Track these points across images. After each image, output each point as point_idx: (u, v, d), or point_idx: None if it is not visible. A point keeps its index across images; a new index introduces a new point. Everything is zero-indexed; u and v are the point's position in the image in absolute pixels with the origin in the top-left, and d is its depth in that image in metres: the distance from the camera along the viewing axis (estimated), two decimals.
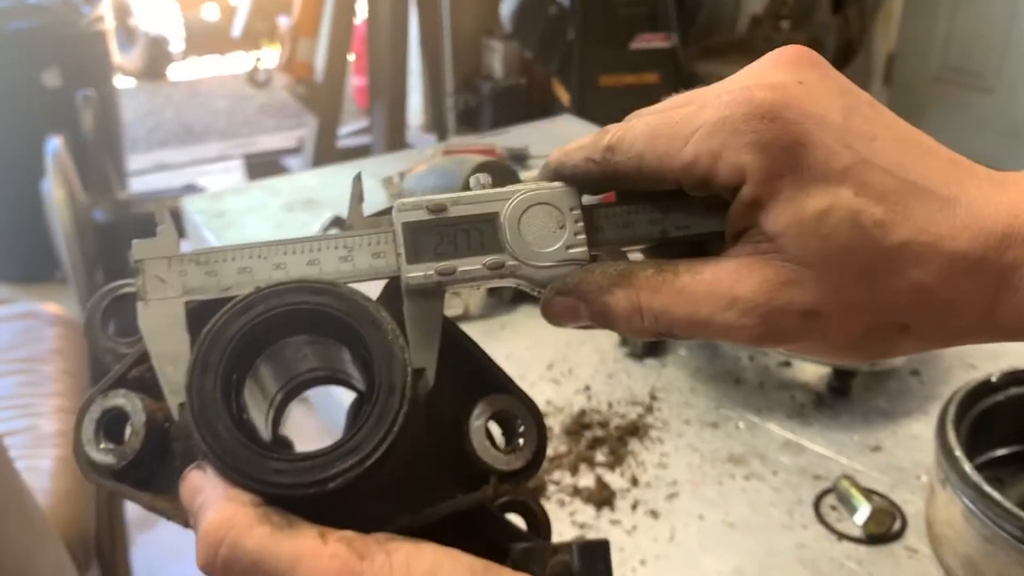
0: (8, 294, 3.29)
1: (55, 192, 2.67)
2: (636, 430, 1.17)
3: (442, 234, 0.47)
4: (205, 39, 7.18)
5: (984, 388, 1.00)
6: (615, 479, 1.09)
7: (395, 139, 3.94)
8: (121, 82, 5.40)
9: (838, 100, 0.44)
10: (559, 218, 0.48)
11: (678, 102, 0.48)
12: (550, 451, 1.13)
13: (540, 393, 1.24)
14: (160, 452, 0.47)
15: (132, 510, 2.20)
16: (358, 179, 0.49)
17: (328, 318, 0.44)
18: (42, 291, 3.30)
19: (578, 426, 1.17)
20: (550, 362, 1.31)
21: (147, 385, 0.47)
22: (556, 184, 0.49)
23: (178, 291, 0.46)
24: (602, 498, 1.05)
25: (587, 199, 0.50)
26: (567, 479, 1.08)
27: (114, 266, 2.92)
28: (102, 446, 0.46)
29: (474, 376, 0.49)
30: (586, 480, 1.08)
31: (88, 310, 0.50)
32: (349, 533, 0.41)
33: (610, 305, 0.46)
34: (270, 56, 4.48)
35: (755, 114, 0.43)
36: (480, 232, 0.48)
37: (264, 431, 0.48)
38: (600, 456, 1.12)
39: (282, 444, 0.52)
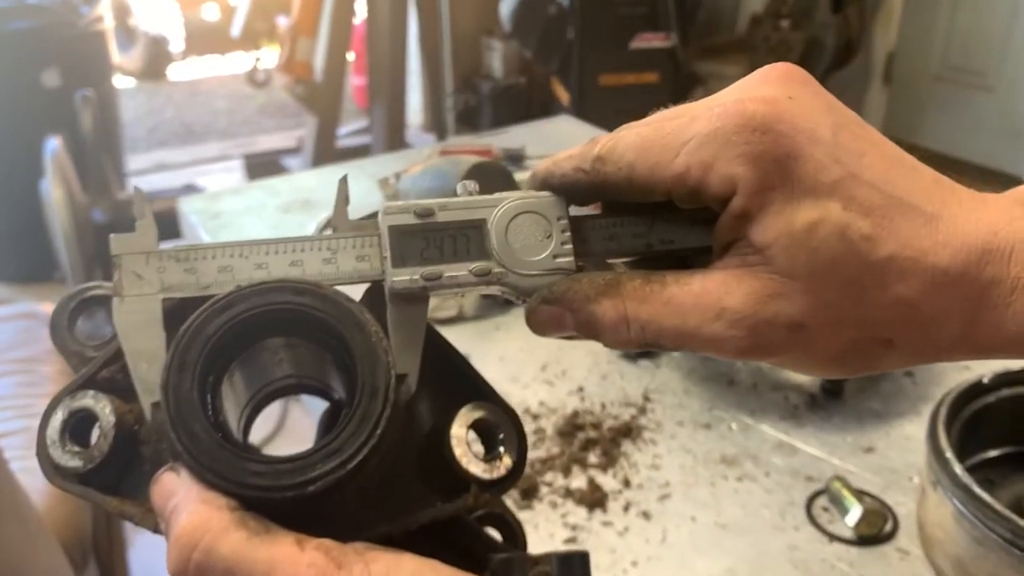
0: (7, 294, 3.30)
1: (54, 192, 2.67)
2: (629, 431, 1.17)
3: (428, 239, 0.47)
4: (205, 39, 7.18)
5: (975, 389, 1.01)
6: (607, 480, 1.09)
7: (394, 139, 3.94)
8: (121, 82, 5.41)
9: (827, 116, 0.45)
10: (546, 227, 0.48)
11: (668, 115, 0.48)
12: (543, 452, 1.13)
13: (533, 395, 1.24)
14: (129, 456, 0.46)
15: None
16: (344, 181, 0.49)
17: (310, 319, 0.43)
18: (41, 291, 3.30)
19: (571, 427, 1.17)
20: (544, 363, 1.31)
21: (117, 387, 0.46)
22: (544, 193, 0.49)
23: (156, 288, 0.46)
24: (594, 500, 1.05)
25: (574, 210, 0.50)
26: (559, 480, 1.09)
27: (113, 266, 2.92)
28: (68, 449, 0.45)
29: (455, 384, 0.49)
30: (578, 481, 1.09)
31: (55, 312, 0.49)
32: (327, 541, 0.40)
33: (596, 315, 0.46)
34: (270, 56, 4.49)
35: (747, 126, 0.43)
36: (467, 238, 0.47)
37: (237, 436, 0.47)
38: (593, 457, 1.13)
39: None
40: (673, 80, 4.32)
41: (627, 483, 1.08)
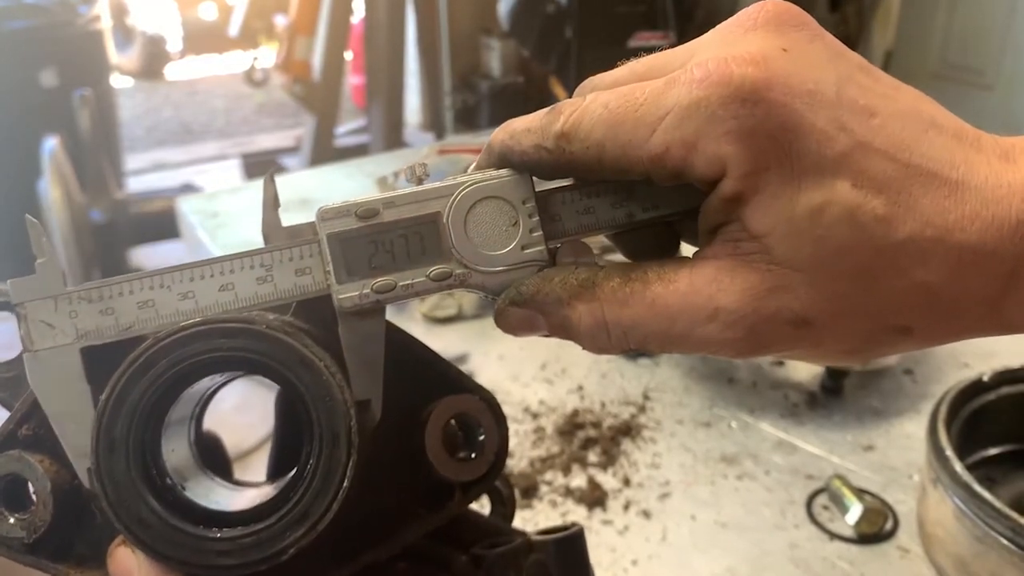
0: None
1: (52, 192, 2.67)
2: (629, 430, 1.17)
3: (377, 243, 0.41)
4: (203, 38, 7.18)
5: (976, 387, 1.00)
6: (607, 479, 1.09)
7: (393, 138, 3.94)
8: (119, 81, 5.40)
9: (829, 69, 0.38)
10: (511, 214, 0.42)
11: (639, 71, 0.42)
12: (543, 451, 1.13)
13: (533, 393, 1.24)
14: (76, 515, 0.41)
15: None
16: (270, 179, 0.42)
17: (248, 362, 0.38)
18: None
19: (571, 426, 1.17)
20: (543, 362, 1.31)
21: (42, 442, 0.41)
22: (504, 172, 0.42)
23: (71, 336, 0.40)
24: (594, 498, 1.05)
25: (538, 183, 0.44)
26: (559, 479, 1.08)
27: (111, 266, 2.92)
28: (5, 517, 0.41)
29: (426, 380, 0.45)
30: (578, 480, 1.08)
31: None
32: None
33: (571, 319, 0.41)
34: (268, 55, 4.48)
35: (735, 96, 0.37)
36: (420, 237, 0.41)
37: (188, 449, 0.43)
38: (593, 456, 1.12)
39: (208, 445, 0.48)
40: None
41: (627, 482, 1.08)
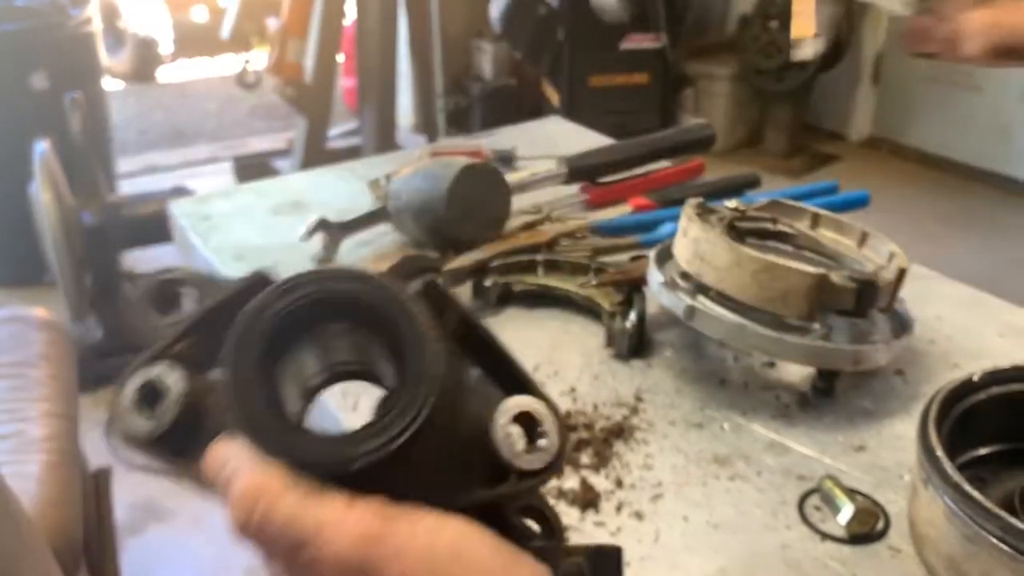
0: None
1: (43, 195, 2.66)
2: (621, 431, 1.17)
3: None
4: (194, 41, 7.16)
5: (966, 387, 1.01)
6: (600, 481, 1.09)
7: (385, 140, 3.94)
8: (110, 84, 5.38)
9: None
10: None
11: None
12: None
13: None
14: (193, 427, 0.48)
15: (121, 515, 2.20)
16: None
17: (365, 306, 0.46)
18: (30, 295, 3.28)
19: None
20: (536, 364, 1.31)
21: (188, 360, 0.49)
22: None
23: None
24: (587, 500, 1.05)
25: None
26: (552, 481, 1.08)
27: (103, 269, 2.92)
28: (139, 415, 0.48)
29: (500, 377, 0.51)
30: (571, 482, 1.08)
31: (141, 296, 0.53)
32: (376, 501, 0.43)
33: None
34: (259, 57, 4.48)
35: None
36: None
37: (293, 415, 0.49)
38: (585, 458, 1.13)
39: None
40: (663, 81, 4.34)
41: (619, 483, 1.08)
